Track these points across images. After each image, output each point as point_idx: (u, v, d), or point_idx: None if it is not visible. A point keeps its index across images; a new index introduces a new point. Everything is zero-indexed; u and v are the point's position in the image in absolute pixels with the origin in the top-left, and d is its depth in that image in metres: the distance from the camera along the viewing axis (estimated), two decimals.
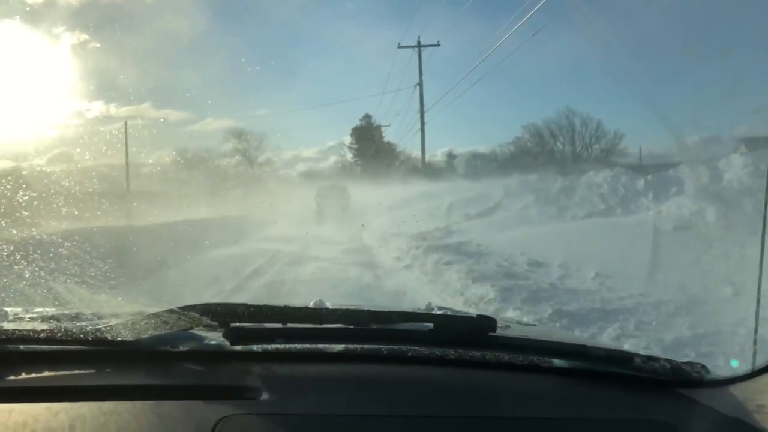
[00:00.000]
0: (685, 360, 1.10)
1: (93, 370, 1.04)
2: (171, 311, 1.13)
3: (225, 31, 49.63)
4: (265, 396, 0.95)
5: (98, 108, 28.92)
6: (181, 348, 1.07)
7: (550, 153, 40.79)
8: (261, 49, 60.53)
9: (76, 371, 1.03)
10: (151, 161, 34.07)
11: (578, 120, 40.46)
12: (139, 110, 30.68)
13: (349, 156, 59.28)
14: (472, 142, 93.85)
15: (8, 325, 1.16)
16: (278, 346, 1.10)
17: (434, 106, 40.02)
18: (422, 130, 35.02)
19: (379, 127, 56.08)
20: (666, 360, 1.08)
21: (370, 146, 51.50)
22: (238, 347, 1.09)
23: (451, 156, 55.41)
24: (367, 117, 57.96)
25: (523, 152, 42.51)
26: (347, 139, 59.08)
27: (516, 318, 3.24)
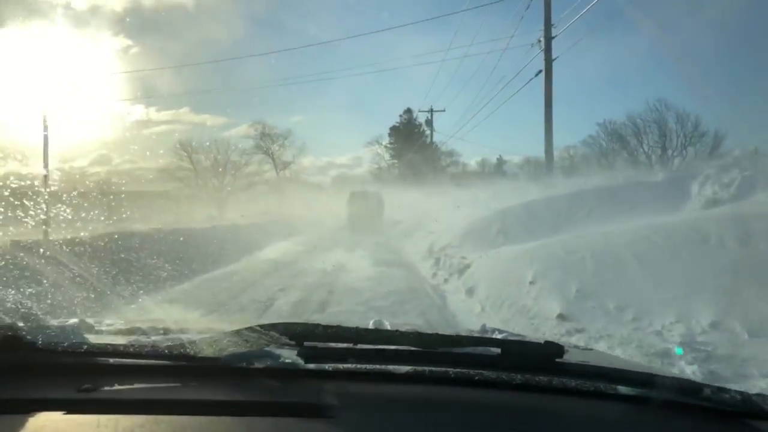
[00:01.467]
0: (756, 392, 1.11)
1: (178, 384, 1.15)
2: (251, 329, 1.23)
3: (263, 39, 51.99)
4: (341, 414, 1.04)
5: (139, 112, 32.19)
6: (258, 365, 1.17)
7: (631, 154, 35.51)
8: (299, 56, 65.28)
9: (163, 384, 1.14)
10: (188, 165, 35.98)
11: (672, 116, 34.34)
12: (177, 115, 33.12)
13: (386, 158, 56.43)
14: (525, 147, 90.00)
15: (98, 338, 1.28)
16: (349, 365, 1.19)
17: (483, 109, 38.89)
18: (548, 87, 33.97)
19: (421, 125, 53.23)
20: (737, 391, 1.11)
21: (410, 147, 49.33)
22: (311, 365, 1.19)
23: (500, 161, 53.42)
24: (409, 112, 55.01)
25: (599, 154, 38.67)
26: (384, 139, 56.02)
27: (573, 342, 3.01)
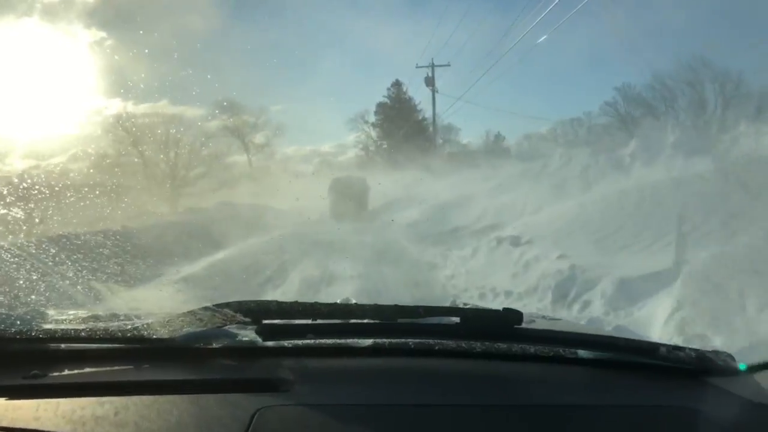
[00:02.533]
0: (710, 349, 1.18)
1: (131, 367, 1.19)
2: (205, 308, 1.27)
3: (240, 28, 50.44)
4: (298, 388, 1.10)
5: (116, 105, 30.46)
6: (215, 344, 1.21)
7: (659, 121, 29.90)
8: (277, 44, 61.88)
9: (116, 368, 1.19)
10: (162, 156, 33.01)
11: (708, 74, 29.20)
12: (155, 107, 32.35)
13: (374, 137, 48.87)
14: (527, 121, 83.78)
15: (50, 325, 1.32)
16: (308, 341, 1.24)
17: (484, 76, 32.54)
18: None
19: (411, 99, 45.90)
20: (692, 349, 1.18)
21: (401, 124, 42.16)
22: (270, 343, 1.23)
23: (498, 137, 46.44)
24: (397, 85, 47.83)
25: (621, 124, 34.14)
26: (370, 116, 48.50)
27: (542, 313, 3.02)
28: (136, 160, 31.53)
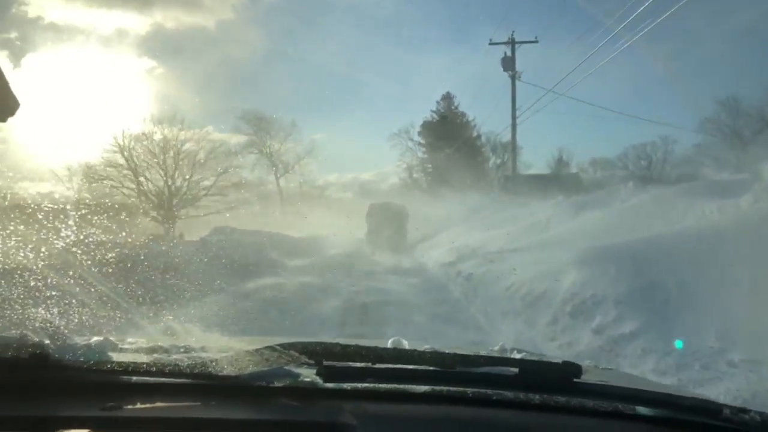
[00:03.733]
0: None
1: (199, 403, 1.28)
2: (272, 348, 1.37)
3: (283, 57, 55.95)
4: None
5: (162, 131, 30.29)
6: (277, 384, 1.30)
7: None
8: (320, 74, 67.20)
9: (185, 403, 1.27)
10: (209, 183, 32.02)
11: None
12: (201, 134, 32.31)
13: (418, 156, 43.60)
14: (593, 148, 78.48)
15: (120, 356, 1.43)
16: (368, 384, 1.31)
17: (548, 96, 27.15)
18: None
19: (464, 115, 40.54)
20: (757, 412, 1.19)
21: (450, 144, 36.83)
22: (330, 384, 1.31)
23: (561, 162, 40.42)
24: (448, 98, 42.58)
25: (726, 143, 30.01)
26: (415, 132, 43.32)
27: (594, 363, 2.96)
28: (171, 185, 30.53)
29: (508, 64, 28.73)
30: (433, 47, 71.77)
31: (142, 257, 10.47)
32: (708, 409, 1.21)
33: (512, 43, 28.58)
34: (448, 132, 41.98)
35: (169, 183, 28.56)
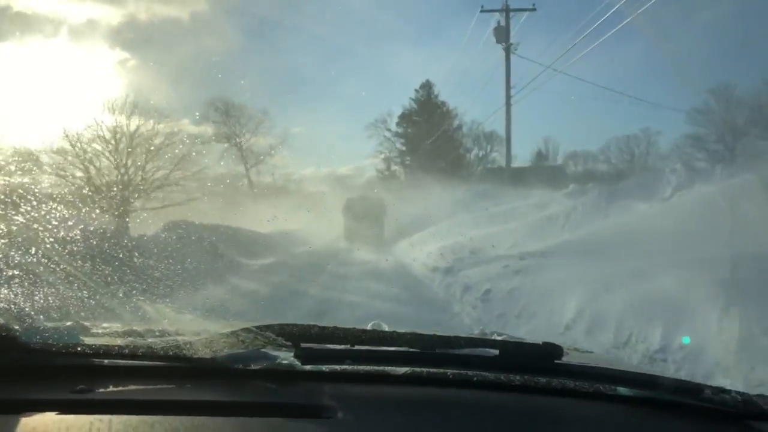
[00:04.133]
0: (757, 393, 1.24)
1: (174, 386, 1.25)
2: (248, 330, 1.34)
3: (260, 50, 52.81)
4: (339, 415, 1.15)
5: (137, 124, 26.62)
6: (254, 366, 1.28)
7: None
8: (297, 67, 65.27)
9: (159, 386, 1.25)
10: (165, 172, 28.00)
11: None
12: (177, 126, 29.12)
13: (397, 147, 41.20)
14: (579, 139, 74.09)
15: (91, 340, 1.39)
16: (347, 367, 1.30)
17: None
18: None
19: (444, 105, 38.26)
20: (738, 392, 1.21)
21: (428, 135, 34.66)
22: (308, 367, 1.29)
23: (541, 155, 38.75)
24: (428, 86, 40.30)
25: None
26: (393, 119, 40.79)
27: (573, 345, 2.91)
28: (147, 176, 27.74)
29: (502, 34, 25.16)
30: (413, 35, 70.77)
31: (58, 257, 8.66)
32: (689, 389, 1.23)
33: (506, 11, 25.05)
34: (427, 122, 40.42)
35: (122, 172, 26.05)
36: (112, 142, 27.57)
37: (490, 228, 14.17)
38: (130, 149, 28.30)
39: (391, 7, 69.07)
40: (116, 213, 25.28)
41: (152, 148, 28.96)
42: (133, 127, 28.50)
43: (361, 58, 72.23)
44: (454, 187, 27.85)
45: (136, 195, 28.12)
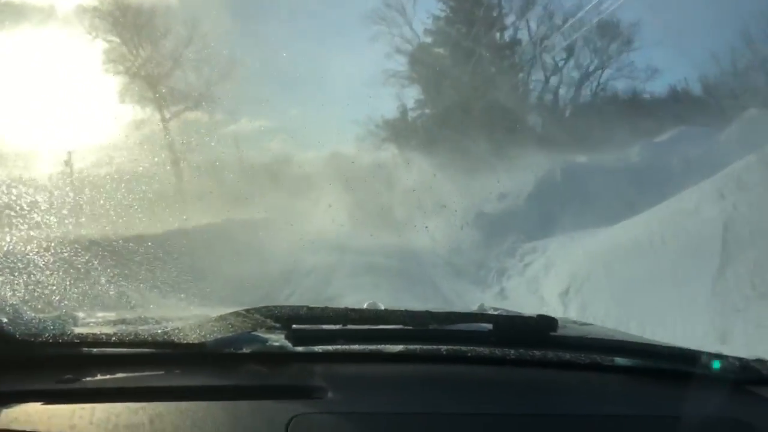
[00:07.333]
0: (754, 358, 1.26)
1: (163, 372, 1.29)
2: (236, 314, 1.36)
3: (256, 35, 41.98)
4: (331, 396, 1.19)
5: (135, 111, 27.09)
6: (245, 350, 1.31)
7: None
8: (293, 48, 53.33)
9: (148, 373, 1.28)
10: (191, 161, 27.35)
11: None
12: (174, 113, 28.35)
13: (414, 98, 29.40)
14: None
15: (80, 329, 1.43)
16: (339, 347, 1.32)
17: None
18: None
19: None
20: (735, 358, 1.23)
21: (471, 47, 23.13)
22: (300, 348, 1.32)
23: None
24: None
25: None
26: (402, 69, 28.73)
27: (572, 318, 3.09)
28: (143, 166, 24.67)
29: None
30: None
31: None
32: (686, 356, 1.25)
33: None
34: (467, 30, 27.49)
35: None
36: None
37: None
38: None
39: None
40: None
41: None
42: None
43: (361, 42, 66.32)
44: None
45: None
